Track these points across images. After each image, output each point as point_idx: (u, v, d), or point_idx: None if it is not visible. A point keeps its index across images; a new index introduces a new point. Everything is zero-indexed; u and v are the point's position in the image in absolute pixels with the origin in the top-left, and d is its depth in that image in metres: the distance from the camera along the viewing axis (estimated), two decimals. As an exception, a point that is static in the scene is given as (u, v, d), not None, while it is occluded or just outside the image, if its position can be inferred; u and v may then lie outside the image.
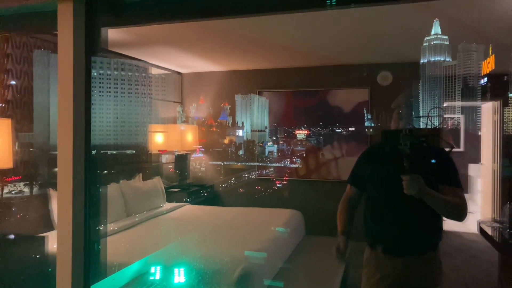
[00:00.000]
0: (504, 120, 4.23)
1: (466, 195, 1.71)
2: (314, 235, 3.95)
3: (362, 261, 1.90)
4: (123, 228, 3.26)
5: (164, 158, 5.01)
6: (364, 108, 4.66)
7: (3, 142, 2.25)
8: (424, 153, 1.65)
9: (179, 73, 5.39)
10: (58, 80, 0.80)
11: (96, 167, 0.85)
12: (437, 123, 4.05)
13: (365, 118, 4.65)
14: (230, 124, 5.25)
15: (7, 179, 2.76)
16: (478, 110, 4.77)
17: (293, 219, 3.84)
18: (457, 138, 5.12)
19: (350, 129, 4.78)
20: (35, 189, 3.01)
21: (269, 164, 5.08)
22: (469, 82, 4.15)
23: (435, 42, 3.85)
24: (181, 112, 5.26)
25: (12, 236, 2.53)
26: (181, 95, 5.42)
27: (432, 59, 4.04)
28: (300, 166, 4.93)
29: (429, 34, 3.77)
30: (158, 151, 4.81)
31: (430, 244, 1.76)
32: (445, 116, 4.58)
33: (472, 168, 5.11)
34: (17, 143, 2.86)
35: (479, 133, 4.88)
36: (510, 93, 4.09)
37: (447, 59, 4.05)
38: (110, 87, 4.04)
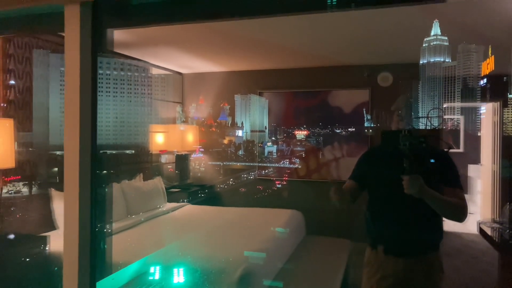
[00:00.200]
0: (504, 121, 4.24)
1: (466, 196, 1.72)
2: (314, 235, 3.95)
3: (363, 261, 1.91)
4: (124, 228, 3.26)
5: (164, 158, 5.02)
6: (364, 109, 4.67)
7: (5, 142, 2.26)
8: (424, 154, 1.66)
9: (180, 73, 5.40)
10: (65, 80, 0.81)
11: (102, 166, 0.86)
12: (437, 124, 4.07)
13: (365, 119, 4.67)
14: (229, 124, 5.26)
15: (6, 178, 2.76)
16: (478, 111, 4.78)
17: (293, 219, 3.84)
18: (456, 139, 5.14)
19: (350, 129, 4.79)
20: (34, 189, 3.01)
21: (268, 165, 5.09)
22: (468, 83, 4.16)
23: (434, 43, 3.86)
24: (181, 112, 5.27)
25: (12, 236, 2.53)
26: (181, 95, 5.43)
27: (432, 60, 4.05)
28: (300, 167, 4.93)
29: (428, 35, 3.78)
30: (159, 151, 4.82)
31: (430, 244, 1.77)
32: (444, 117, 4.59)
33: (472, 169, 5.12)
34: (15, 143, 2.86)
35: (479, 134, 4.89)
36: (510, 94, 4.10)
37: (447, 60, 4.07)
38: (109, 87, 4.05)
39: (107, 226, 0.90)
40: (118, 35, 3.32)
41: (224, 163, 5.23)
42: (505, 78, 4.05)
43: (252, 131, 5.23)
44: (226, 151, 5.26)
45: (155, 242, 2.94)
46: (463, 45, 4.01)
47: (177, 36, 3.64)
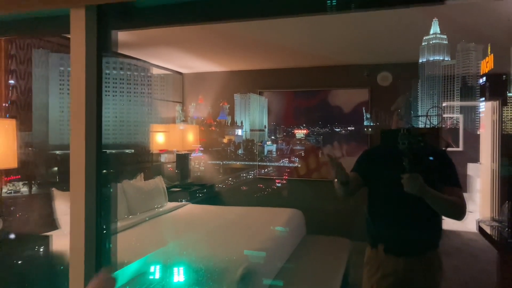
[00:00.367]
0: (503, 119, 4.25)
1: (465, 195, 1.73)
2: (314, 234, 3.97)
3: (363, 260, 1.92)
4: (126, 227, 3.28)
5: (164, 158, 5.04)
6: (364, 108, 4.68)
7: (8, 142, 2.27)
8: (423, 153, 1.68)
9: (180, 73, 5.41)
10: (70, 81, 0.82)
11: (107, 166, 0.87)
12: (436, 123, 4.09)
13: (364, 118, 4.68)
14: (229, 124, 5.27)
15: (6, 178, 2.77)
16: (477, 110, 4.79)
17: (293, 218, 3.86)
18: (456, 138, 5.15)
19: (349, 128, 4.80)
20: (34, 189, 3.02)
21: (268, 164, 5.10)
22: (468, 82, 4.17)
23: (434, 41, 3.87)
24: (180, 111, 5.28)
25: (15, 236, 2.54)
26: (182, 95, 5.44)
27: (431, 59, 4.06)
28: (300, 166, 4.95)
29: (428, 34, 3.79)
30: (159, 150, 4.83)
31: (430, 243, 1.78)
32: (444, 115, 4.61)
33: (471, 168, 5.14)
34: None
35: (478, 133, 4.90)
36: (509, 93, 4.11)
37: (446, 59, 4.08)
38: (109, 86, 4.06)
39: (112, 225, 0.91)
40: (119, 35, 3.32)
41: (224, 162, 5.24)
42: (504, 76, 4.06)
43: (251, 130, 5.24)
44: (226, 150, 5.27)
45: (156, 241, 2.95)
46: (462, 44, 4.02)
47: (178, 36, 3.65)
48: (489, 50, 3.81)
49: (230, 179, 5.21)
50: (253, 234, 3.20)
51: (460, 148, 5.21)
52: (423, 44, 3.96)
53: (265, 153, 5.14)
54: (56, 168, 3.33)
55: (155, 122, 4.70)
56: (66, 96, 3.47)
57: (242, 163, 5.21)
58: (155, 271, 2.49)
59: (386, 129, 2.12)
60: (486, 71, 3.90)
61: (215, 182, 5.16)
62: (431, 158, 1.76)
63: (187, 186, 4.83)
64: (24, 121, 3.00)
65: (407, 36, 3.61)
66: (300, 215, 4.04)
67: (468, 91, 4.22)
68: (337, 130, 4.85)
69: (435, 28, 3.67)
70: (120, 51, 4.11)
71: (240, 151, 5.24)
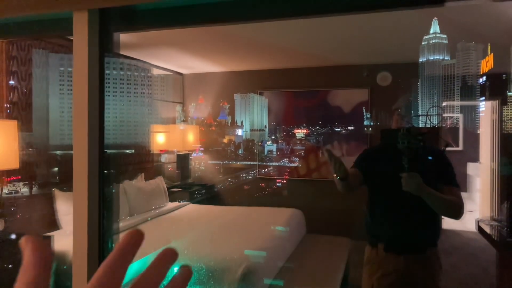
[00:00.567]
0: (503, 118, 4.25)
1: (465, 194, 1.75)
2: (315, 234, 3.98)
3: (362, 259, 1.93)
4: (127, 228, 3.29)
5: (164, 158, 5.05)
6: (364, 108, 4.69)
7: (10, 143, 2.28)
8: (422, 152, 1.69)
9: (180, 73, 5.42)
10: (73, 83, 0.84)
11: (109, 166, 0.88)
12: (436, 122, 4.09)
13: (365, 117, 4.69)
14: (229, 124, 5.28)
15: (7, 178, 2.78)
16: (477, 109, 4.80)
17: (294, 218, 3.87)
18: (456, 137, 5.16)
19: (349, 128, 4.81)
20: (34, 189, 3.03)
21: (268, 163, 5.11)
22: (468, 81, 4.18)
23: (434, 41, 3.88)
24: (181, 111, 5.29)
25: (16, 236, 2.55)
26: (182, 95, 5.45)
27: (431, 58, 4.07)
28: (300, 165, 4.96)
29: (428, 33, 3.80)
30: (159, 151, 4.84)
31: (430, 241, 1.79)
32: (444, 115, 4.61)
33: (471, 167, 5.15)
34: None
35: (478, 132, 4.91)
36: (509, 92, 4.12)
37: (446, 58, 4.08)
38: (109, 86, 4.06)
39: (114, 225, 0.92)
40: (120, 36, 3.33)
41: (224, 162, 5.25)
42: (504, 76, 4.06)
43: (252, 130, 5.25)
44: (226, 150, 5.28)
45: (157, 241, 2.96)
46: (462, 43, 4.03)
47: (178, 37, 3.66)
48: (489, 50, 3.82)
49: (230, 179, 5.22)
50: (253, 234, 3.21)
51: (460, 148, 5.22)
52: (423, 43, 3.97)
53: (265, 153, 5.15)
54: (56, 169, 3.34)
55: (155, 122, 4.71)
56: (66, 96, 3.48)
57: (243, 163, 5.22)
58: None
59: (386, 129, 2.13)
60: (486, 71, 3.91)
61: (216, 182, 5.17)
62: (430, 157, 1.77)
63: (187, 186, 4.84)
64: (25, 122, 3.00)
65: (407, 36, 3.62)
66: (300, 215, 4.05)
67: (468, 91, 4.23)
68: (337, 130, 4.86)
69: (435, 27, 3.68)
70: (121, 52, 4.12)
71: (240, 151, 5.25)
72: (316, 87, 4.90)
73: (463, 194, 1.74)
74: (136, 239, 0.33)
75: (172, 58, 4.58)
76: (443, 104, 4.38)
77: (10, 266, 2.33)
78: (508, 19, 2.92)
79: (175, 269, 0.36)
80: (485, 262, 3.59)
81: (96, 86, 0.84)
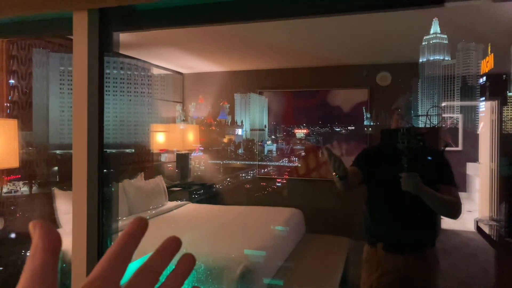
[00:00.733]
0: (503, 119, 4.26)
1: (464, 194, 1.76)
2: (314, 233, 3.99)
3: (361, 258, 1.93)
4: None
5: (164, 157, 5.05)
6: (364, 108, 4.69)
7: (10, 142, 2.29)
8: (421, 152, 1.70)
9: (180, 73, 5.42)
10: (73, 83, 0.84)
11: (109, 165, 0.89)
12: (436, 122, 4.10)
13: (365, 117, 4.69)
14: (229, 123, 5.28)
15: (6, 178, 2.78)
16: (477, 109, 4.80)
17: (293, 217, 3.87)
18: (455, 137, 5.16)
19: (349, 128, 4.81)
20: (34, 188, 3.04)
21: (268, 163, 5.12)
22: (468, 81, 4.18)
23: (434, 41, 3.88)
24: (181, 111, 5.29)
25: (16, 235, 2.56)
26: (182, 95, 5.46)
27: (431, 58, 4.07)
28: (300, 165, 4.96)
29: (428, 34, 3.80)
30: (159, 150, 4.85)
31: (428, 240, 1.80)
32: (444, 115, 4.62)
33: (470, 167, 5.15)
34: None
35: (477, 132, 4.91)
36: (509, 92, 4.12)
37: (446, 58, 4.08)
38: (109, 86, 4.06)
39: (113, 224, 0.93)
40: (120, 36, 3.33)
41: (224, 161, 5.25)
42: (504, 76, 4.06)
43: (252, 129, 5.25)
44: (226, 149, 5.28)
45: (156, 241, 2.97)
46: (462, 43, 4.03)
47: (178, 37, 3.66)
48: (489, 50, 3.82)
49: (230, 178, 5.23)
50: (253, 233, 3.22)
51: (460, 148, 5.22)
52: (423, 43, 3.97)
53: (265, 152, 5.15)
54: (56, 168, 3.34)
55: (155, 121, 4.71)
56: (66, 96, 3.48)
57: (242, 162, 5.22)
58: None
59: (386, 129, 2.14)
60: (486, 71, 3.91)
61: (215, 181, 5.17)
62: (429, 158, 1.78)
63: (187, 185, 4.85)
64: (25, 121, 3.01)
65: (407, 36, 3.62)
66: (299, 214, 4.06)
67: (468, 91, 4.23)
68: (337, 129, 4.86)
69: (435, 27, 3.68)
70: (120, 51, 4.12)
71: (240, 151, 5.25)
72: (316, 87, 4.90)
73: (462, 194, 1.75)
74: (141, 226, 0.33)
75: (172, 57, 4.58)
76: (443, 104, 4.38)
77: (9, 265, 2.33)
78: (508, 20, 2.92)
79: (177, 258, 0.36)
80: (484, 261, 3.60)
81: (95, 85, 0.84)
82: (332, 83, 4.82)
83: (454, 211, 1.70)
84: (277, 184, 5.00)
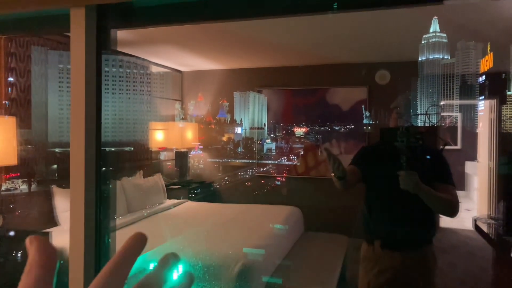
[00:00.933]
0: (502, 118, 4.26)
1: (463, 193, 1.76)
2: (313, 231, 4.00)
3: (359, 256, 1.94)
4: (125, 225, 3.29)
5: (163, 155, 5.05)
6: (363, 106, 4.69)
7: (8, 140, 2.28)
8: (420, 151, 1.70)
9: (179, 71, 5.41)
10: (71, 80, 0.84)
11: (107, 163, 0.89)
12: (435, 121, 4.10)
13: (363, 116, 4.69)
14: (228, 121, 5.28)
15: (5, 175, 2.78)
16: (476, 108, 4.81)
17: (292, 215, 3.88)
18: (454, 136, 5.17)
19: (348, 126, 4.82)
20: (33, 186, 3.03)
21: (267, 161, 5.12)
22: (467, 80, 4.18)
23: (433, 39, 3.88)
24: (180, 109, 5.29)
25: (15, 233, 2.55)
26: (181, 93, 5.45)
27: (431, 57, 4.07)
28: (299, 163, 4.96)
29: (427, 33, 3.80)
30: (158, 148, 4.85)
31: (426, 238, 1.81)
32: (443, 114, 4.62)
33: (469, 166, 5.16)
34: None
35: (476, 131, 4.92)
36: (508, 91, 4.12)
37: (446, 57, 4.09)
38: (108, 84, 4.06)
39: (111, 222, 0.93)
40: (119, 33, 3.32)
41: (223, 160, 5.25)
42: (503, 75, 4.07)
43: (251, 128, 5.25)
44: (225, 148, 5.28)
45: (155, 239, 2.97)
46: (462, 42, 4.03)
47: (177, 34, 3.66)
48: (488, 49, 3.82)
49: (229, 177, 5.23)
50: (251, 231, 3.22)
51: (458, 147, 5.23)
52: (422, 42, 3.97)
53: (265, 151, 5.15)
54: (55, 166, 3.34)
55: (154, 120, 4.71)
56: (65, 93, 3.47)
57: (241, 161, 5.22)
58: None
59: (385, 127, 2.14)
60: (486, 70, 3.91)
61: (214, 179, 5.17)
62: (428, 156, 1.78)
63: (186, 183, 4.85)
64: (24, 118, 3.00)
65: (407, 35, 3.62)
66: (298, 213, 4.06)
67: (467, 90, 4.24)
68: (336, 128, 4.86)
69: (434, 26, 3.68)
70: (119, 49, 4.12)
71: (239, 149, 5.25)
72: (315, 85, 4.90)
73: (460, 193, 1.76)
74: (140, 241, 0.33)
75: (171, 55, 4.58)
76: (442, 103, 4.38)
77: (9, 261, 2.33)
78: (507, 18, 2.92)
79: (176, 275, 0.36)
80: (482, 259, 3.61)
81: (93, 83, 0.84)
82: (331, 82, 4.82)
83: (452, 210, 1.71)
84: (276, 183, 5.01)
